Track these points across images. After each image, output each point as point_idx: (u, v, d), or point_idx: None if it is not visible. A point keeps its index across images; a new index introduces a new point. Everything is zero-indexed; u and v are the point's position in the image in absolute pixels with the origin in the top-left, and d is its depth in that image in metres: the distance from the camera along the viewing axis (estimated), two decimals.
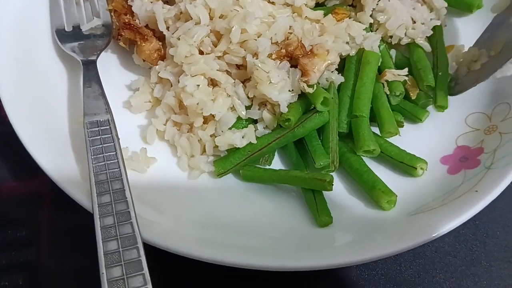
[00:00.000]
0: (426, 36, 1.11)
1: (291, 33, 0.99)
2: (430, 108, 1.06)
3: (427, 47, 1.10)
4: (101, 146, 0.84)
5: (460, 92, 1.02)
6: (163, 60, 1.06)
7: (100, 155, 0.83)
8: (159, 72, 1.03)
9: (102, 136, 0.86)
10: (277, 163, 1.01)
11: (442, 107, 1.03)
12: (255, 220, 0.91)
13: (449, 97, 1.05)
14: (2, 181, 1.03)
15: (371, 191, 0.91)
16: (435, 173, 0.95)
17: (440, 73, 1.05)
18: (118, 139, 0.86)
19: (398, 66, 1.08)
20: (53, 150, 0.90)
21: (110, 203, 0.77)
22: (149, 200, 0.87)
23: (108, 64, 1.08)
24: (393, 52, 1.13)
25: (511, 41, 0.96)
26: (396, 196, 0.90)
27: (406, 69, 1.05)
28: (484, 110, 1.03)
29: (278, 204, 0.95)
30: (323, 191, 0.92)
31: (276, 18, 1.01)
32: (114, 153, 0.84)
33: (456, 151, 0.99)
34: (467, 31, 1.16)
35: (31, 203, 1.00)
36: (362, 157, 0.97)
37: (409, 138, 1.01)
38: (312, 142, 0.96)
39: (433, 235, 0.79)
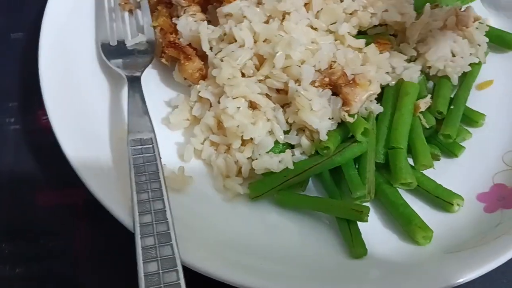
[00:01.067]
0: None
1: (334, 61, 1.00)
2: (467, 143, 1.05)
3: (455, 79, 1.09)
4: (143, 164, 0.86)
5: None
6: (204, 80, 1.07)
7: (142, 174, 0.84)
8: (199, 92, 1.05)
9: (145, 155, 0.87)
10: (311, 190, 1.01)
11: (447, 136, 1.02)
12: (288, 246, 0.91)
13: (486, 133, 1.06)
14: (39, 189, 1.04)
15: (407, 225, 0.91)
16: (472, 211, 0.95)
17: (452, 107, 1.05)
18: (160, 158, 0.88)
19: None
20: (94, 164, 0.91)
21: (151, 223, 0.78)
22: (186, 222, 0.87)
23: (148, 79, 1.09)
24: (430, 84, 1.13)
25: None
26: (433, 232, 0.89)
27: (429, 96, 1.05)
28: None
29: (311, 231, 0.95)
30: (358, 222, 0.91)
31: (320, 46, 1.02)
32: (156, 172, 0.85)
33: (493, 189, 0.98)
34: (504, 67, 1.16)
35: (67, 214, 1.01)
36: (398, 189, 0.97)
37: (445, 173, 1.01)
38: (349, 171, 0.96)
39: (471, 276, 0.78)
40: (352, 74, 1.00)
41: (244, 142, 0.99)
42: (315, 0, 1.06)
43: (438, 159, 1.03)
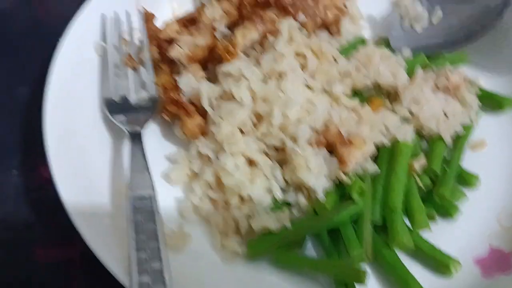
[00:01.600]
0: None
1: (330, 121, 1.03)
2: (462, 204, 1.06)
3: (448, 140, 1.12)
4: (142, 222, 0.86)
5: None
6: (204, 136, 1.09)
7: (141, 232, 0.84)
8: (199, 148, 1.07)
9: (145, 212, 0.87)
10: (309, 249, 1.01)
11: (442, 197, 1.03)
12: None
13: (480, 194, 1.08)
14: (39, 244, 1.04)
15: None
16: (469, 275, 0.95)
17: (446, 168, 1.07)
18: (160, 216, 0.88)
19: None
20: (95, 220, 0.92)
21: (148, 283, 0.78)
22: (183, 283, 0.86)
23: (150, 134, 1.11)
24: (424, 143, 1.16)
25: None
26: None
27: (423, 156, 1.08)
28: None
29: None
30: (355, 283, 0.91)
31: (316, 105, 1.05)
32: (155, 230, 0.85)
33: (490, 253, 0.99)
34: (497, 128, 1.19)
35: (65, 270, 1.00)
36: (396, 250, 0.97)
37: (441, 234, 1.02)
38: (346, 231, 0.97)
39: None
40: (348, 133, 1.03)
41: (242, 200, 1.00)
42: (310, 61, 1.10)
43: (434, 220, 1.05)
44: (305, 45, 1.11)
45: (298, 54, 1.11)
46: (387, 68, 1.12)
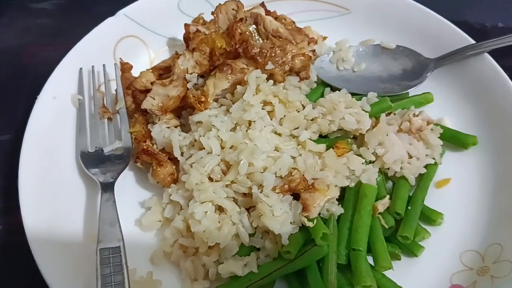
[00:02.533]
0: None
1: (294, 168, 1.07)
2: (426, 242, 1.10)
3: (412, 180, 1.16)
4: (110, 274, 0.90)
5: None
6: (175, 183, 1.13)
7: (109, 284, 0.88)
8: (171, 195, 1.11)
9: (113, 264, 0.91)
10: None
11: (406, 238, 1.07)
12: None
13: (444, 232, 1.11)
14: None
15: None
16: None
17: (410, 208, 1.11)
18: (127, 268, 0.92)
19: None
20: (63, 268, 0.97)
21: None
22: None
23: (124, 180, 1.16)
24: (389, 184, 1.19)
25: None
26: None
27: (388, 197, 1.12)
28: (477, 249, 1.08)
29: None
30: None
31: (282, 152, 1.10)
32: (123, 282, 0.89)
33: None
34: (461, 166, 1.23)
35: None
36: None
37: (405, 273, 1.05)
38: (312, 273, 1.00)
39: None
40: (312, 179, 1.07)
41: (211, 246, 1.03)
42: (278, 109, 1.15)
43: (399, 259, 1.08)
44: (272, 94, 1.16)
45: (265, 103, 1.16)
46: (351, 115, 1.17)
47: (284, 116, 1.16)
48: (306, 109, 1.17)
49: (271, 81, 1.18)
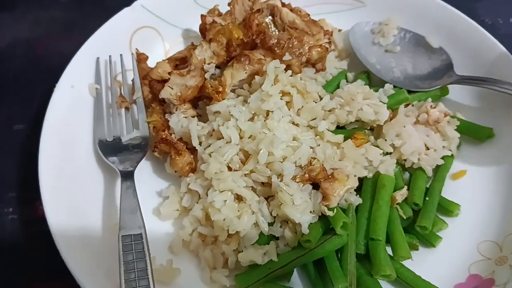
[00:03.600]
0: None
1: (314, 158, 1.07)
2: (444, 233, 1.10)
3: (429, 171, 1.17)
4: (133, 260, 0.90)
5: None
6: (193, 172, 1.14)
7: (132, 271, 0.88)
8: (189, 184, 1.11)
9: (135, 251, 0.91)
10: (295, 280, 1.05)
11: (424, 228, 1.07)
12: None
13: (461, 223, 1.12)
14: (32, 281, 1.07)
15: None
16: None
17: (427, 198, 1.12)
18: (150, 254, 0.92)
19: None
20: (85, 258, 0.96)
21: None
22: None
23: (141, 170, 1.16)
24: (406, 175, 1.20)
25: None
26: None
27: (406, 188, 1.12)
28: (495, 239, 1.08)
29: None
30: None
31: (301, 142, 1.10)
32: (145, 269, 0.89)
33: (469, 280, 1.02)
34: (477, 158, 1.23)
35: None
36: (379, 280, 1.00)
37: (423, 263, 1.06)
38: (331, 263, 1.00)
39: None
40: (331, 169, 1.07)
41: (230, 234, 1.04)
42: (296, 99, 1.15)
43: (417, 249, 1.08)
44: (291, 85, 1.16)
45: (283, 93, 1.16)
46: (369, 106, 1.17)
47: (302, 106, 1.16)
48: (324, 99, 1.17)
49: (289, 72, 1.18)
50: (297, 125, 1.16)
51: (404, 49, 1.38)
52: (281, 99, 1.15)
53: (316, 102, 1.18)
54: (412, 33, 1.39)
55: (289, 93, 1.16)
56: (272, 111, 1.13)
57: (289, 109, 1.16)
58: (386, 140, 1.15)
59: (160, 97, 1.17)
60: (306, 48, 1.26)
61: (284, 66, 1.18)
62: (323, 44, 1.29)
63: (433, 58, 1.35)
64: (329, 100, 1.17)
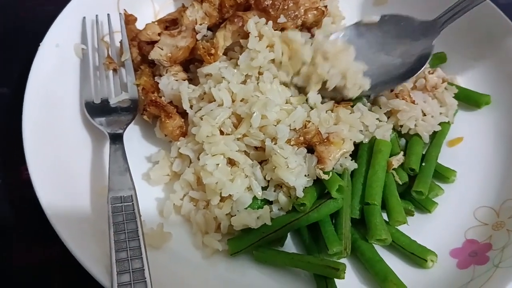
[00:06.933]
0: None
1: (309, 121, 1.04)
2: (440, 199, 1.09)
3: (426, 138, 1.14)
4: (123, 222, 0.87)
5: None
6: (184, 137, 1.10)
7: (122, 232, 0.85)
8: (179, 148, 1.07)
9: (125, 212, 0.88)
10: (289, 245, 1.03)
11: (420, 193, 1.05)
12: None
13: (457, 189, 1.10)
14: (18, 245, 1.04)
15: (383, 282, 0.92)
16: (445, 266, 0.97)
17: (424, 164, 1.10)
18: (140, 216, 0.89)
19: None
20: (73, 220, 0.92)
21: (129, 282, 0.79)
22: (164, 282, 0.87)
23: (130, 135, 1.12)
24: (402, 142, 1.17)
25: None
26: None
27: (402, 153, 1.10)
28: (492, 205, 1.06)
29: (289, 287, 0.95)
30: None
31: (295, 106, 1.06)
32: (136, 230, 0.86)
33: (465, 245, 1.01)
34: (473, 125, 1.21)
35: (44, 271, 1.00)
36: (374, 245, 0.99)
37: (419, 228, 1.04)
38: (326, 227, 0.98)
39: None
40: (326, 133, 1.05)
41: (223, 198, 1.01)
42: (278, 48, 1.11)
43: (412, 215, 1.07)
44: (274, 36, 1.12)
45: (269, 46, 1.11)
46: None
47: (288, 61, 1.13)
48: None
49: (270, 22, 1.13)
50: (286, 85, 1.13)
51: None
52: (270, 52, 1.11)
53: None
54: (346, 30, 1.25)
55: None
56: (263, 74, 1.10)
57: (278, 71, 1.12)
58: (381, 108, 1.13)
59: (150, 58, 1.13)
60: (302, 10, 1.21)
61: (264, 20, 1.13)
62: (319, 7, 1.25)
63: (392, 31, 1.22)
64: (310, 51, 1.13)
